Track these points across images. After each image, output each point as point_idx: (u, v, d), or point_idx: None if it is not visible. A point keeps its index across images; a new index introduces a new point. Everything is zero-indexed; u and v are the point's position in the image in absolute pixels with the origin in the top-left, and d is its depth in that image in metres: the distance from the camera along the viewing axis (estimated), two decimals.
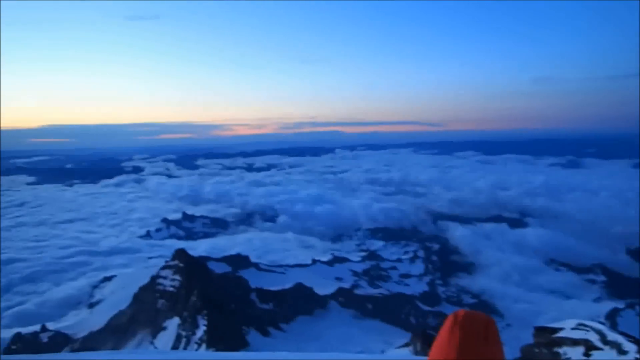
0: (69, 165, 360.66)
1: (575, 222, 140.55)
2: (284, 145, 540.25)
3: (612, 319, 61.89)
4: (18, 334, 59.18)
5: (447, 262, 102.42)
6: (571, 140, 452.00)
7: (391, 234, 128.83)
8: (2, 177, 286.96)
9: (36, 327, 60.69)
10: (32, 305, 77.66)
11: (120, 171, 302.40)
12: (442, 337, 2.65)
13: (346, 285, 75.42)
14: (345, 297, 71.41)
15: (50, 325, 62.40)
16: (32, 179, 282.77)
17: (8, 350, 56.64)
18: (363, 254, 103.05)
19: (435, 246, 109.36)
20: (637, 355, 14.36)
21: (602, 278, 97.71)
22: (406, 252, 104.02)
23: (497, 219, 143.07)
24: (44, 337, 59.71)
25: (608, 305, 74.38)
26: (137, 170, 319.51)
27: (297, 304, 66.18)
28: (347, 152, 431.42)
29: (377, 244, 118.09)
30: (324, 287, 71.59)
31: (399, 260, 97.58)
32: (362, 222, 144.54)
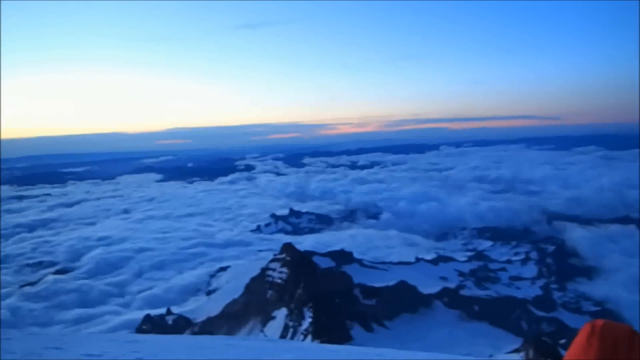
0: (189, 165, 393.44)
1: None
2: (387, 142, 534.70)
3: None
4: (148, 316, 66.70)
5: (563, 265, 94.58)
6: None
7: (500, 233, 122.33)
8: (135, 175, 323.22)
9: (162, 310, 67.79)
10: (159, 290, 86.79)
11: (234, 169, 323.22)
12: (577, 349, 2.39)
13: (451, 285, 73.49)
14: (450, 298, 69.66)
15: (174, 309, 69.35)
16: (159, 176, 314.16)
17: (139, 330, 64.18)
18: (469, 253, 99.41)
19: (550, 248, 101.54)
20: None
21: None
22: (517, 254, 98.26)
23: (624, 220, 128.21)
24: (169, 320, 66.68)
25: None
26: (249, 168, 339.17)
27: (400, 302, 66.07)
28: (453, 149, 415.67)
29: (484, 244, 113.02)
30: (428, 286, 70.53)
31: (509, 261, 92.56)
32: (469, 221, 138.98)
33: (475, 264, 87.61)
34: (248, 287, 69.06)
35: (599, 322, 2.40)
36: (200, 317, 67.05)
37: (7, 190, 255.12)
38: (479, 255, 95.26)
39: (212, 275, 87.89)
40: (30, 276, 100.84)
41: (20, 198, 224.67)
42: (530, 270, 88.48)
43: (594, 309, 77.87)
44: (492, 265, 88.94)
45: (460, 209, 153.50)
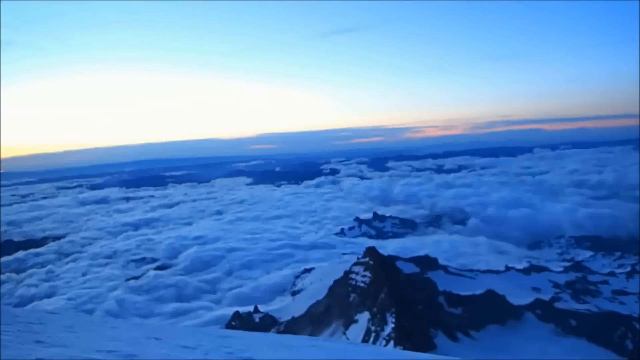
0: (277, 168, 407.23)
1: None
2: (475, 145, 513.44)
3: None
4: (237, 313, 70.32)
5: None
6: None
7: (602, 243, 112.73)
8: (227, 179, 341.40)
9: (250, 308, 71.02)
10: (247, 288, 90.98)
11: (319, 173, 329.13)
12: None
13: (545, 297, 69.21)
14: (544, 310, 65.58)
15: (262, 308, 72.37)
16: (249, 180, 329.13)
17: (229, 325, 67.89)
18: (566, 264, 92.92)
19: None
20: None
21: None
22: (621, 266, 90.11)
23: None
24: (256, 318, 69.78)
25: None
26: (334, 172, 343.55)
27: (487, 312, 63.51)
28: (548, 152, 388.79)
29: (583, 254, 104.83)
30: (518, 297, 67.07)
31: (612, 274, 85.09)
32: (566, 229, 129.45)
33: (572, 275, 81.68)
34: (331, 289, 70.18)
35: None
36: (285, 317, 69.37)
37: (117, 192, 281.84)
38: (577, 266, 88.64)
39: (297, 276, 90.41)
40: (134, 271, 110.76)
41: (128, 199, 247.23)
42: (637, 284, 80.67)
43: None
44: (592, 278, 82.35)
45: (556, 216, 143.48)
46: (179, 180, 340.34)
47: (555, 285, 76.25)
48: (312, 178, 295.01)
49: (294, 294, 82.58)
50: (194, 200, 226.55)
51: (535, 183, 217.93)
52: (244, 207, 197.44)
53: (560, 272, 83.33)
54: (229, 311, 72.41)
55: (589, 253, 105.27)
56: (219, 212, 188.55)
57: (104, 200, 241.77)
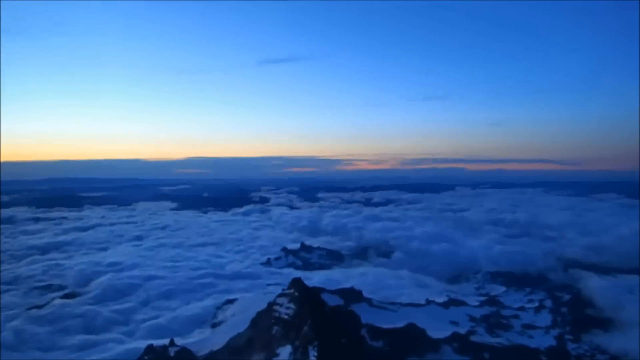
0: (205, 194, 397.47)
1: None
2: (403, 180, 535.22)
3: None
4: (150, 346, 65.73)
5: (579, 315, 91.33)
6: None
7: (514, 279, 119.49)
8: (151, 203, 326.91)
9: (166, 341, 66.81)
10: (164, 320, 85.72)
11: (249, 201, 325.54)
12: None
13: (462, 330, 71.46)
14: (460, 343, 67.53)
15: (178, 341, 68.31)
16: (174, 204, 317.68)
17: None
18: (482, 298, 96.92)
19: (566, 296, 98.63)
20: None
21: None
22: (531, 301, 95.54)
23: None
24: (172, 351, 65.53)
25: None
26: (264, 200, 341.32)
27: (408, 345, 64.28)
28: (469, 190, 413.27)
29: (498, 289, 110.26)
30: (437, 330, 68.65)
31: (523, 308, 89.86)
32: (482, 264, 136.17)
33: (487, 310, 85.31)
34: (254, 321, 68.05)
35: None
36: (203, 350, 65.93)
37: (25, 211, 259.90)
38: (492, 301, 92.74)
39: (219, 307, 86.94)
40: (38, 299, 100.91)
41: (37, 220, 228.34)
42: (544, 318, 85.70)
43: None
44: (505, 312, 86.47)
45: (474, 252, 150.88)
46: (97, 202, 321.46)
47: (472, 318, 79.06)
48: (241, 205, 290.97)
49: (214, 325, 79.09)
50: (112, 224, 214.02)
51: (456, 219, 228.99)
52: (167, 233, 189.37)
53: (476, 306, 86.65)
54: (142, 344, 67.52)
55: (502, 288, 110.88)
56: (139, 238, 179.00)
57: (9, 220, 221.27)
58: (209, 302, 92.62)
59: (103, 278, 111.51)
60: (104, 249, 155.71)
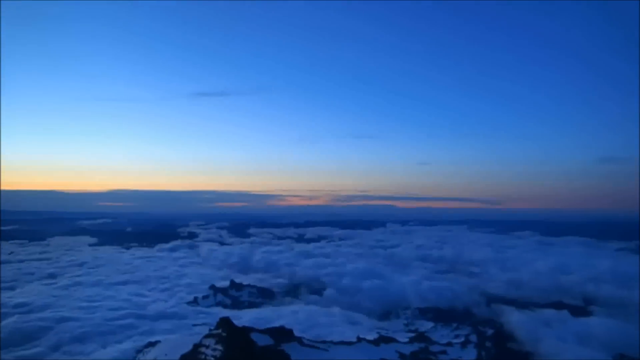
0: (129, 229, 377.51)
1: None
2: (335, 217, 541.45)
3: None
4: None
5: (502, 349, 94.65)
6: None
7: (442, 314, 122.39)
8: (67, 237, 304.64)
9: None
10: None
11: (176, 236, 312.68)
12: None
13: None
14: None
15: None
16: (94, 240, 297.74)
17: None
18: (411, 334, 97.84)
19: (490, 331, 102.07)
20: None
21: None
22: (457, 336, 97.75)
23: (558, 305, 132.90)
24: None
25: None
26: (192, 236, 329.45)
27: None
28: (399, 227, 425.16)
29: (426, 325, 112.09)
30: None
31: (450, 344, 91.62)
32: (412, 300, 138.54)
33: (416, 346, 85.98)
34: None
35: None
36: None
37: None
38: (421, 337, 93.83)
39: (139, 351, 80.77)
40: None
41: None
42: (470, 353, 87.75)
43: None
44: (433, 348, 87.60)
45: (404, 288, 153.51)
46: (5, 237, 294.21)
47: (402, 355, 79.15)
48: (167, 241, 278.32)
49: None
50: (22, 261, 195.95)
51: (387, 255, 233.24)
52: (84, 271, 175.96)
53: (406, 343, 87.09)
54: None
55: (431, 324, 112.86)
56: (52, 276, 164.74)
57: None
58: (128, 345, 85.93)
59: (8, 320, 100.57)
60: (11, 289, 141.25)
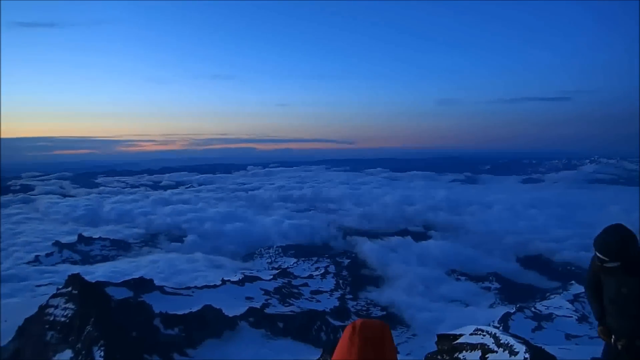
0: None
1: (473, 234, 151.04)
2: (194, 162, 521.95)
3: (504, 322, 66.46)
4: None
5: (356, 276, 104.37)
6: (469, 158, 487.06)
7: (303, 250, 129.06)
8: None
9: None
10: None
11: (7, 190, 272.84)
12: (342, 348, 2.68)
13: (257, 304, 73.71)
14: (256, 317, 69.66)
15: None
16: None
17: None
18: (274, 271, 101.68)
19: (346, 261, 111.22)
20: (526, 355, 15.11)
21: (496, 285, 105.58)
22: (317, 269, 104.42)
23: (403, 232, 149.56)
24: None
25: (501, 310, 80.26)
26: (26, 189, 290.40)
27: (205, 327, 63.25)
28: (260, 169, 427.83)
29: (289, 261, 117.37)
30: (233, 308, 69.30)
31: (311, 276, 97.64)
32: (274, 240, 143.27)
33: (280, 282, 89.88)
34: (21, 330, 57.83)
35: (359, 321, 2.76)
36: None
37: None
38: (284, 273, 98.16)
39: None
40: None
41: None
42: (329, 283, 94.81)
43: (380, 313, 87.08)
44: (296, 282, 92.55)
45: (266, 228, 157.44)
46: None
47: (266, 292, 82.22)
48: None
49: None
50: None
51: (248, 198, 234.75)
52: None
53: (269, 280, 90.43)
54: None
55: (293, 260, 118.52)
56: None
57: None
58: None
59: None
60: None
